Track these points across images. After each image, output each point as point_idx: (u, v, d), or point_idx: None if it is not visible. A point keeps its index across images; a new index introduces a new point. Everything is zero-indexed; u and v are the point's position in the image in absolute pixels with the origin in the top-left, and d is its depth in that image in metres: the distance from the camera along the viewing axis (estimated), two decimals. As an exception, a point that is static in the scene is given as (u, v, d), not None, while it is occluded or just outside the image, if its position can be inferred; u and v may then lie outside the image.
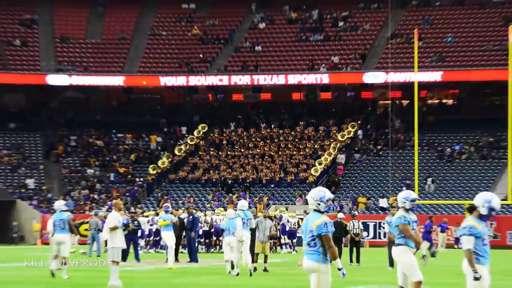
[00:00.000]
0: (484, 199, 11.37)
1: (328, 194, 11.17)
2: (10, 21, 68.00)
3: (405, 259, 13.59)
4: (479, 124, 59.33)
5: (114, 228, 20.40)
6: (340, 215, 31.23)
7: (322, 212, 11.13)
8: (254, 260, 25.86)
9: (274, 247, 40.95)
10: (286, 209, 47.11)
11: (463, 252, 11.20)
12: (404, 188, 55.26)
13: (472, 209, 11.46)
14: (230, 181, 57.40)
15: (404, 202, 13.93)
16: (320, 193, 11.17)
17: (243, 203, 25.65)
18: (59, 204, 24.43)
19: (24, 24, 67.74)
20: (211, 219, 41.23)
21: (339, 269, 10.92)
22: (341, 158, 58.28)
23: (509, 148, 48.74)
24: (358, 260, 30.74)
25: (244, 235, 24.51)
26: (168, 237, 28.42)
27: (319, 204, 11.13)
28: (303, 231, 11.23)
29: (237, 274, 24.13)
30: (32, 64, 65.13)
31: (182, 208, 41.80)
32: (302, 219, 43.89)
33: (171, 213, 30.61)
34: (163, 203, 53.14)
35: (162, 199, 54.51)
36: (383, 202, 52.60)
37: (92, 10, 70.05)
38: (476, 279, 11.06)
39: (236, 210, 25.25)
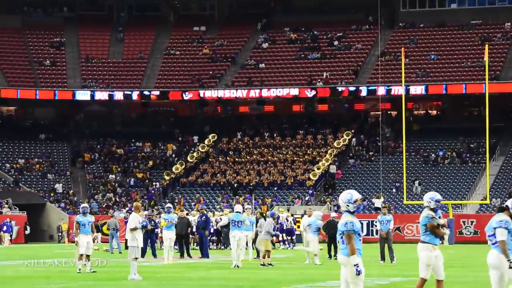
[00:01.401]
0: None
1: (355, 196, 10.92)
2: (41, 44, 68.11)
3: (424, 256, 13.16)
4: (460, 132, 59.21)
5: (134, 229, 20.27)
6: (333, 214, 31.17)
7: (352, 213, 10.90)
8: (266, 256, 25.70)
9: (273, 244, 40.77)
10: (288, 210, 46.91)
11: (492, 245, 11.02)
12: (393, 190, 55.16)
13: (502, 209, 11.28)
14: (236, 185, 57.28)
15: (430, 202, 13.50)
16: (347, 195, 10.94)
17: (237, 207, 25.59)
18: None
19: (53, 46, 67.80)
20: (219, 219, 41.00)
21: (354, 265, 10.69)
22: (333, 168, 58.16)
23: (487, 153, 48.64)
24: (352, 255, 30.51)
25: (236, 235, 24.39)
26: (170, 237, 28.05)
27: (348, 206, 10.91)
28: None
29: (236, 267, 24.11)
30: (60, 82, 65.13)
31: (195, 210, 41.60)
32: (301, 218, 43.78)
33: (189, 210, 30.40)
34: (178, 203, 53.15)
35: (177, 203, 54.39)
36: (377, 203, 52.35)
37: (113, 33, 70.10)
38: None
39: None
